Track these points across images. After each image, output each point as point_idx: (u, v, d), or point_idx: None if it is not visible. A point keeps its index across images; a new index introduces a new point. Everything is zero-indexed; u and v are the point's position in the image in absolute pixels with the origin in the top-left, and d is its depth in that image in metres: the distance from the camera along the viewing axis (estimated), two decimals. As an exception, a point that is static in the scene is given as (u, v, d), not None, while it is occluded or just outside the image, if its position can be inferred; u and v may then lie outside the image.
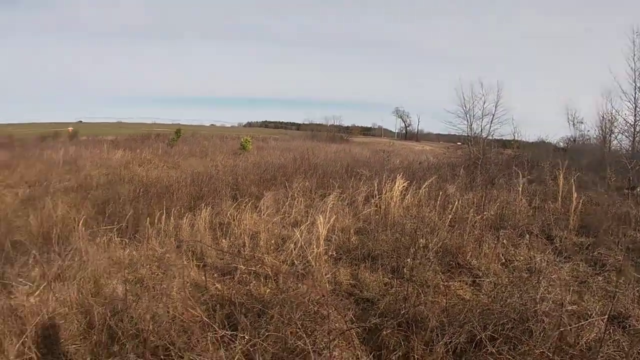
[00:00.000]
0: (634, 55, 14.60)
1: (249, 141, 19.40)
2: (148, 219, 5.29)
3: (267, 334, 2.54)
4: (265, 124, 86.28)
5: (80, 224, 4.62)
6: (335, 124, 62.91)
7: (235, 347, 2.40)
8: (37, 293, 3.35)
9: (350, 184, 7.86)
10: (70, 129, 35.02)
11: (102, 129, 41.30)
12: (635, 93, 14.73)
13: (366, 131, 67.77)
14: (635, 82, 14.72)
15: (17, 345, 2.54)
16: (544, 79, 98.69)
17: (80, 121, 68.70)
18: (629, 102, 14.96)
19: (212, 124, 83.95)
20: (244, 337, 2.43)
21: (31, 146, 19.45)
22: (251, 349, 2.42)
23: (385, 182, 6.50)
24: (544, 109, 70.63)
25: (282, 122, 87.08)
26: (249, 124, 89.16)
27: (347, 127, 62.57)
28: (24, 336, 2.62)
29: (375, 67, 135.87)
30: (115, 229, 4.85)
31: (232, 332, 2.46)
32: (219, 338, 2.41)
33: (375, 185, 6.64)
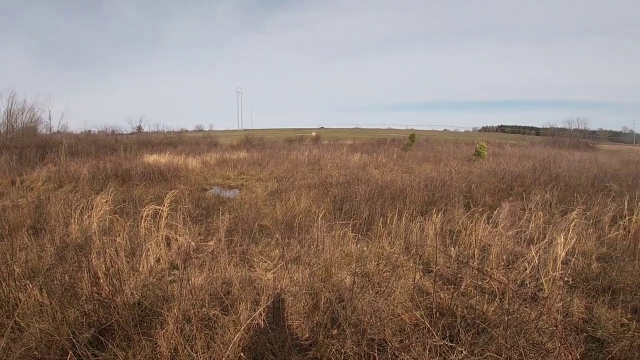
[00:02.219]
0: None
1: (484, 147, 18.43)
2: (381, 218, 5.66)
3: (486, 354, 2.50)
4: (502, 129, 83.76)
5: (319, 217, 5.20)
6: (579, 127, 54.38)
7: (450, 359, 2.46)
8: (274, 270, 3.97)
9: (596, 200, 6.91)
10: (314, 133, 42.34)
11: (341, 134, 47.95)
12: None
13: (614, 136, 58.28)
14: None
15: (249, 311, 3.05)
16: None
17: (322, 127, 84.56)
18: None
19: (445, 129, 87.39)
20: (461, 352, 2.46)
21: (280, 147, 23.37)
22: (466, 365, 2.45)
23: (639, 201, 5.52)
24: None
25: (520, 126, 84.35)
26: (484, 129, 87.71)
27: (594, 132, 55.00)
28: (256, 304, 3.19)
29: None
30: (350, 225, 5.26)
31: (450, 344, 2.51)
32: (436, 347, 2.50)
33: (626, 203, 5.70)
